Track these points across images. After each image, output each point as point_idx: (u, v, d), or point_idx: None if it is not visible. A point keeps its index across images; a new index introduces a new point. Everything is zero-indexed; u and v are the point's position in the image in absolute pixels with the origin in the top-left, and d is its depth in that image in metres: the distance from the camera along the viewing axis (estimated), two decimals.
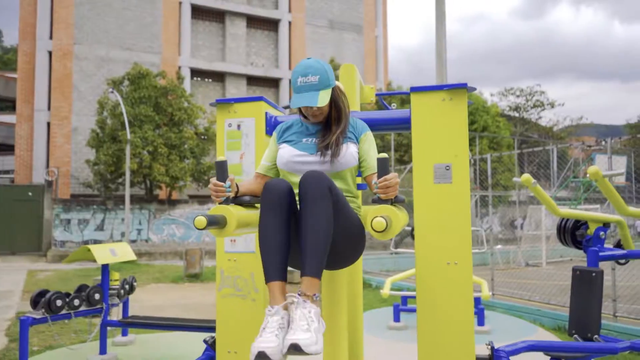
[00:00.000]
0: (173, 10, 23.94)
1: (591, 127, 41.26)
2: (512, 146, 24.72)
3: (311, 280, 1.72)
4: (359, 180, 2.41)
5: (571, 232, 4.28)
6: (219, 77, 25.57)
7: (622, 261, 4.26)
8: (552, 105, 34.91)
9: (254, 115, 2.63)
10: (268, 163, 2.28)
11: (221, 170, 1.95)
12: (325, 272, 2.28)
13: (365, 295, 9.23)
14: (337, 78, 2.42)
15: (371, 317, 7.03)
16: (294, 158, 2.16)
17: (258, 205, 2.04)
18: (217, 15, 25.58)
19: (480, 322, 6.13)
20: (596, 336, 3.46)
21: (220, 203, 1.93)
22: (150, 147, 17.44)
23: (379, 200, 1.80)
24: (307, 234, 1.73)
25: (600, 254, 3.88)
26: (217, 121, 2.69)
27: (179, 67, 23.78)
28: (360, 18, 28.36)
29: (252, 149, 2.62)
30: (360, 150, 2.19)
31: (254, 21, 26.41)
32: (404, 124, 2.57)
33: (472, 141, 18.93)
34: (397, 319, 6.48)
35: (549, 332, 6.20)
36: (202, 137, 19.64)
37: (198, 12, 25.10)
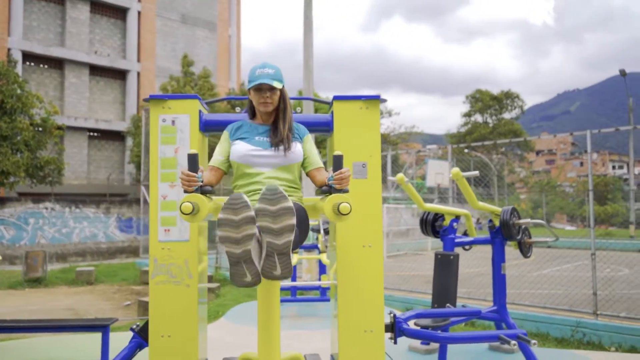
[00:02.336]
0: None
1: (420, 135, 46.23)
2: None
3: None
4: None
5: (432, 224, 5.08)
6: (56, 63, 23.29)
7: (467, 247, 5.17)
8: (390, 114, 38.43)
9: (188, 112, 2.79)
10: (221, 157, 2.50)
11: (193, 162, 2.12)
12: None
13: (229, 290, 9.43)
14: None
15: (242, 310, 7.30)
16: (250, 152, 2.43)
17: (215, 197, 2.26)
18: None
19: None
20: (448, 304, 4.18)
21: (191, 192, 2.10)
22: None
23: (331, 190, 2.16)
24: None
25: (456, 240, 4.71)
26: (151, 116, 2.78)
27: (9, 50, 21.18)
28: (214, 16, 28.13)
29: (187, 143, 2.78)
30: (304, 149, 2.53)
31: (99, 7, 24.60)
32: (324, 126, 2.96)
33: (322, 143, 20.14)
34: None
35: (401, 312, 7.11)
36: (38, 129, 17.79)
37: None
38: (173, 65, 25.57)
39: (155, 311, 2.71)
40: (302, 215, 2.28)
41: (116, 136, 24.62)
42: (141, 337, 2.85)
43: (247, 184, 2.41)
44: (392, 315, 3.06)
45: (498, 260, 4.61)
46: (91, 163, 24.40)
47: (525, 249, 4.86)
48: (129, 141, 22.73)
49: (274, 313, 2.55)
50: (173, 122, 2.78)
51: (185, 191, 2.10)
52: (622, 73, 23.01)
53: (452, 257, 4.50)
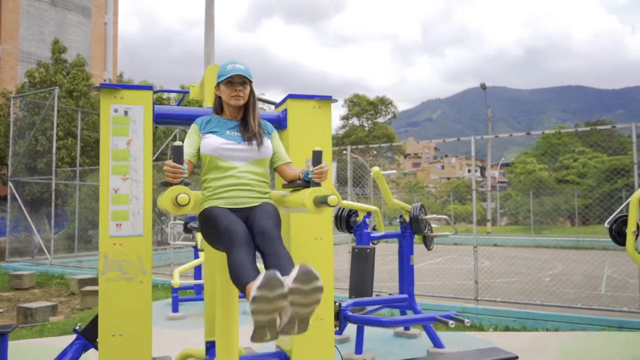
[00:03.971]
0: None
1: None
2: None
3: None
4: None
5: (346, 220, 5.36)
6: None
7: (375, 242, 5.54)
8: None
9: (142, 103, 2.70)
10: (192, 150, 2.46)
11: (178, 153, 2.08)
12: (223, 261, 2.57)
13: None
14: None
15: None
16: (224, 145, 2.43)
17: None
18: None
19: None
20: (377, 294, 4.50)
21: (176, 184, 2.07)
22: None
23: (309, 184, 2.27)
24: (279, 257, 2.12)
25: (372, 235, 5.04)
26: (102, 106, 2.64)
27: None
28: (88, 0, 26.12)
29: (141, 135, 2.68)
30: (272, 145, 2.60)
31: None
32: (275, 123, 3.04)
33: None
34: (175, 309, 6.67)
35: None
36: None
37: None
38: (40, 51, 23.28)
39: (105, 309, 2.58)
40: (277, 216, 2.37)
41: None
42: (85, 338, 2.69)
43: (221, 178, 2.41)
44: (337, 304, 3.24)
45: (408, 252, 5.02)
46: None
47: (428, 242, 5.34)
48: None
49: (233, 308, 2.59)
50: (126, 112, 2.67)
51: (170, 183, 2.07)
52: (483, 87, 25.74)
53: (368, 250, 4.80)
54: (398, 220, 5.13)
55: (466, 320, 3.02)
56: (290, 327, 1.87)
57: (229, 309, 2.59)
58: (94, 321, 2.65)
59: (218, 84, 2.56)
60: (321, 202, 2.14)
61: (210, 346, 3.05)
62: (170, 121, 2.88)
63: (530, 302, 7.20)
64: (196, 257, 7.07)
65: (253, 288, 1.81)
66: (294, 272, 1.86)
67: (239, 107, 2.57)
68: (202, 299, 7.06)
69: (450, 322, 2.99)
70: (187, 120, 2.84)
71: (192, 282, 7.02)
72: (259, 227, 2.22)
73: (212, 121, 2.56)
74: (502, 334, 5.97)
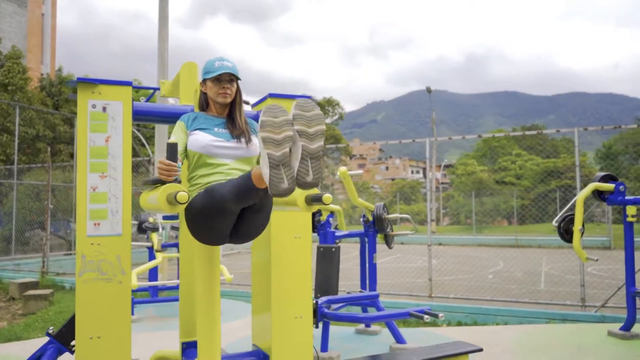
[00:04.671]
0: None
1: None
2: None
3: None
4: None
5: (311, 219, 5.39)
6: None
7: (338, 241, 5.61)
8: None
9: (121, 99, 2.63)
10: (180, 148, 2.41)
11: (173, 151, 2.04)
12: (205, 251, 2.55)
13: (63, 297, 8.57)
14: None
15: None
16: (213, 143, 2.41)
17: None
18: None
19: None
20: (348, 291, 4.55)
21: (170, 182, 2.03)
22: None
23: None
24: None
25: (336, 234, 5.11)
26: (79, 101, 2.55)
27: None
28: None
29: (120, 132, 2.61)
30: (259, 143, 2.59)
31: None
32: (255, 121, 3.03)
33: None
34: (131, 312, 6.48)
35: None
36: None
37: None
38: None
39: (83, 311, 2.50)
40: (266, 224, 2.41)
41: None
42: (59, 342, 2.58)
43: (209, 174, 2.39)
44: (314, 302, 3.28)
45: (371, 251, 5.12)
46: None
47: (390, 241, 5.47)
48: None
49: (215, 307, 2.58)
50: (104, 108, 2.60)
51: (163, 181, 2.04)
52: (428, 90, 26.53)
53: (334, 249, 4.87)
54: (361, 219, 5.22)
55: (440, 315, 3.15)
56: (304, 169, 1.85)
57: (212, 308, 2.57)
58: (69, 324, 2.55)
59: (204, 81, 2.53)
60: (315, 200, 2.17)
61: (187, 347, 3.01)
62: (149, 118, 2.82)
63: (481, 298, 7.52)
64: (151, 258, 6.88)
65: (260, 115, 1.89)
66: (293, 104, 1.93)
67: (226, 104, 2.55)
68: (157, 301, 6.90)
69: (426, 316, 3.10)
70: (167, 117, 2.79)
71: (148, 283, 6.85)
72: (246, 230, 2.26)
73: (199, 118, 2.53)
74: (458, 329, 6.20)
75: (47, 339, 2.62)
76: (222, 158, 2.42)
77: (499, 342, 5.16)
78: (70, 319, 2.57)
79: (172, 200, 1.88)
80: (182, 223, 3.10)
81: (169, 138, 3.14)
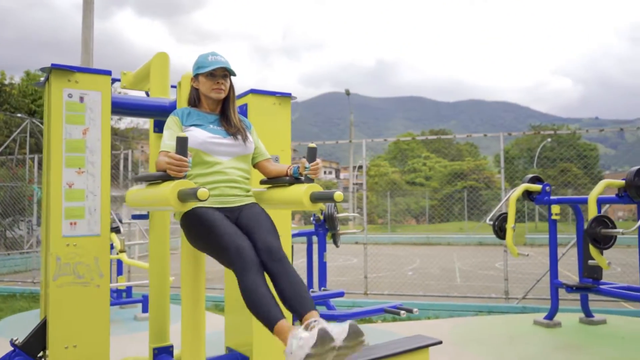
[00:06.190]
0: None
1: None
2: None
3: (314, 312, 2.03)
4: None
5: None
6: None
7: None
8: None
9: (100, 89, 2.43)
10: (174, 143, 2.27)
11: (183, 146, 1.92)
12: (191, 254, 2.45)
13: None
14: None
15: (18, 322, 6.21)
16: (210, 139, 2.30)
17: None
18: None
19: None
20: (313, 289, 4.51)
21: (181, 178, 1.91)
22: None
23: (298, 180, 2.27)
24: (294, 283, 2.07)
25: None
26: (53, 89, 2.33)
27: None
28: None
29: (98, 124, 2.42)
30: (253, 140, 2.51)
31: None
32: None
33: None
34: None
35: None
36: None
37: None
38: None
39: (57, 318, 2.29)
40: (274, 226, 2.33)
41: None
42: (26, 353, 2.34)
43: (207, 174, 2.28)
44: None
45: (321, 249, 5.16)
46: None
47: (337, 239, 5.55)
48: None
49: (200, 305, 2.49)
50: (81, 98, 2.39)
51: (173, 177, 1.92)
52: (347, 92, 27.13)
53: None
54: (312, 218, 5.25)
55: (414, 310, 3.25)
56: None
57: (197, 313, 2.47)
58: (37, 332, 2.32)
59: (196, 76, 2.42)
60: (321, 198, 2.15)
61: (159, 352, 2.86)
62: (125, 111, 2.65)
63: (414, 294, 7.83)
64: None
65: (305, 346, 1.80)
66: (345, 331, 1.87)
67: (219, 100, 2.46)
68: (120, 303, 6.54)
69: (402, 312, 3.19)
70: (148, 111, 2.64)
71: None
72: (265, 244, 2.16)
73: (192, 114, 2.41)
74: (395, 324, 6.41)
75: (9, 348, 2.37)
76: (219, 156, 2.33)
77: (440, 335, 5.39)
78: (38, 327, 2.34)
79: (189, 198, 1.78)
80: (152, 225, 2.94)
81: (154, 132, 2.97)
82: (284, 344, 1.91)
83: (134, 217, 3.08)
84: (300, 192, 2.20)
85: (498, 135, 8.68)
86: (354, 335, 1.88)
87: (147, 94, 3.32)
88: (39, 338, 2.34)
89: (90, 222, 2.40)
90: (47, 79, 2.45)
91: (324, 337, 1.82)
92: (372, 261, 15.60)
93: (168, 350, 2.87)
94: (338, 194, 2.10)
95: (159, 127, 2.92)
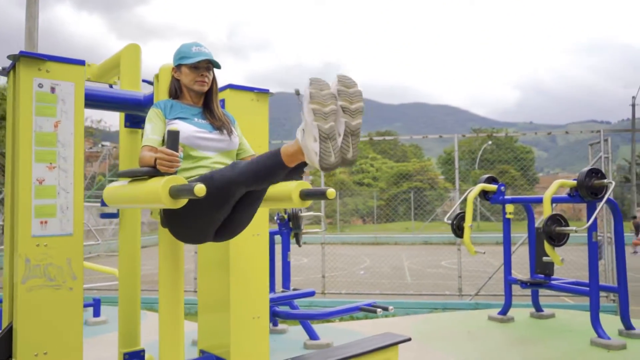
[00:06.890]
0: None
1: (108, 133, 43.26)
2: None
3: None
4: None
5: None
6: None
7: None
8: None
9: (73, 80, 2.28)
10: (158, 137, 2.15)
11: (175, 140, 1.82)
12: (169, 253, 2.35)
13: None
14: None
15: None
16: (196, 134, 2.19)
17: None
18: None
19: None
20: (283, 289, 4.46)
21: (172, 174, 1.81)
22: None
23: (293, 177, 2.23)
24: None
25: None
26: (22, 78, 2.15)
27: None
28: None
29: (71, 117, 2.26)
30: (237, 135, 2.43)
31: None
32: None
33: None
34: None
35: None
36: None
37: None
38: None
39: (26, 324, 2.12)
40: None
41: None
42: None
43: (192, 168, 2.18)
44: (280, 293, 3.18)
45: (285, 249, 5.11)
46: None
47: (300, 239, 5.51)
48: None
49: (179, 305, 2.40)
50: (53, 89, 2.24)
51: (164, 172, 1.82)
52: (297, 93, 27.11)
53: None
54: (276, 217, 5.19)
55: (390, 307, 3.27)
56: (345, 145, 1.81)
57: (176, 314, 2.37)
58: (2, 339, 2.15)
59: (179, 66, 2.32)
60: (311, 195, 2.12)
61: (130, 357, 2.73)
62: (97, 104, 2.50)
63: (370, 292, 7.92)
64: None
65: (305, 89, 1.81)
66: (334, 79, 1.87)
67: (202, 93, 2.37)
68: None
69: (379, 310, 3.20)
70: (122, 104, 2.51)
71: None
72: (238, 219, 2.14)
73: (175, 106, 2.30)
74: (357, 322, 6.46)
75: None
76: (205, 151, 2.24)
77: (404, 332, 5.50)
78: (3, 333, 2.17)
79: (184, 194, 1.69)
80: (123, 224, 2.80)
81: (125, 126, 2.83)
82: (301, 152, 1.85)
83: (103, 215, 2.92)
84: (290, 188, 2.16)
85: (443, 137, 8.93)
86: (345, 78, 1.88)
87: (111, 87, 3.17)
88: (3, 345, 2.17)
89: (62, 220, 2.24)
90: (13, 66, 2.27)
91: (315, 79, 1.84)
92: (327, 261, 15.73)
93: (139, 354, 2.74)
94: (331, 191, 2.08)
95: (130, 122, 2.79)
